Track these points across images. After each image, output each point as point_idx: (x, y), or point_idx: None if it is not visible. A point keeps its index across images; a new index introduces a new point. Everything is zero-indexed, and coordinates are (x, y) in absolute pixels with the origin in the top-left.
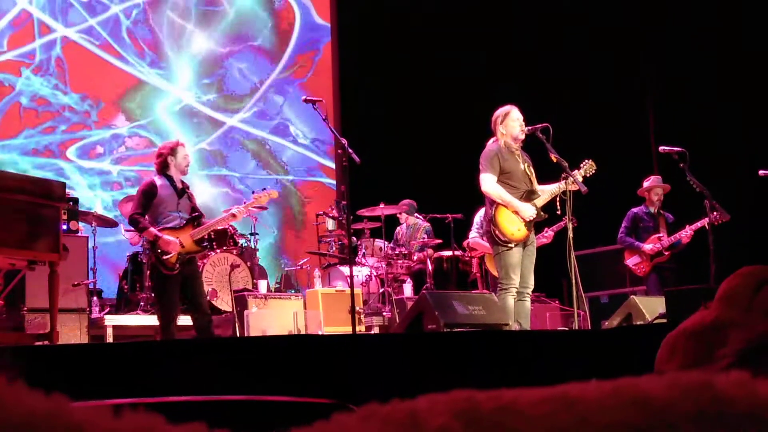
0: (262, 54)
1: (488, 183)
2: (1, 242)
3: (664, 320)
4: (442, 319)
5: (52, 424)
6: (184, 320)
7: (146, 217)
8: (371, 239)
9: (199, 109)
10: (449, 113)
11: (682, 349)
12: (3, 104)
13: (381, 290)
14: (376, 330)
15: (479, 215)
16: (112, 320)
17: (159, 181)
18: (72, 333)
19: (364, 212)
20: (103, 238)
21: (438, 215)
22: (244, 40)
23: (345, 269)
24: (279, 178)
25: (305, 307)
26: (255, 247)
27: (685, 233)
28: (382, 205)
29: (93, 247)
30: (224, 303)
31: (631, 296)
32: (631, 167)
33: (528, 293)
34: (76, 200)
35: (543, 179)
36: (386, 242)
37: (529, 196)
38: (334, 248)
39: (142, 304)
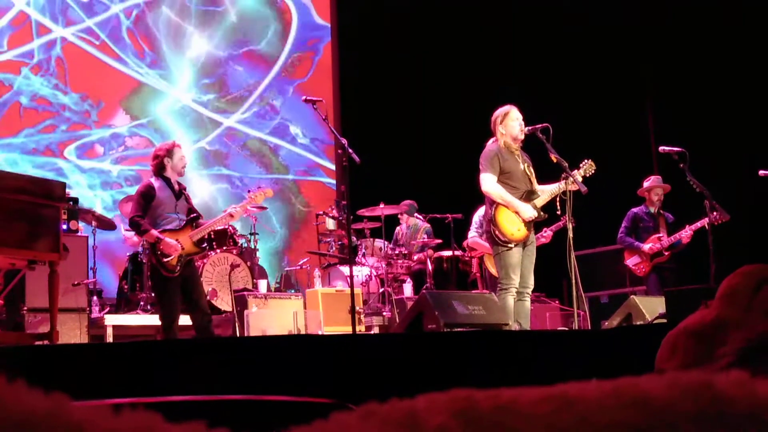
0: (262, 54)
1: (488, 183)
2: (1, 242)
3: (664, 320)
4: (442, 319)
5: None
6: (184, 320)
7: (146, 219)
8: (371, 239)
9: (199, 108)
10: (449, 113)
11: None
12: (3, 104)
13: (381, 290)
14: (376, 330)
15: (478, 215)
16: (112, 320)
17: (156, 183)
18: (72, 333)
19: (364, 212)
20: (104, 236)
21: (438, 215)
22: (245, 41)
23: (345, 269)
24: (279, 178)
25: (305, 307)
26: (255, 247)
27: (685, 233)
28: (382, 205)
29: (93, 246)
30: (224, 303)
31: (631, 296)
32: (631, 167)
33: (528, 293)
34: (76, 200)
35: (543, 179)
36: (386, 242)
37: (529, 196)
38: (334, 248)
39: (142, 303)
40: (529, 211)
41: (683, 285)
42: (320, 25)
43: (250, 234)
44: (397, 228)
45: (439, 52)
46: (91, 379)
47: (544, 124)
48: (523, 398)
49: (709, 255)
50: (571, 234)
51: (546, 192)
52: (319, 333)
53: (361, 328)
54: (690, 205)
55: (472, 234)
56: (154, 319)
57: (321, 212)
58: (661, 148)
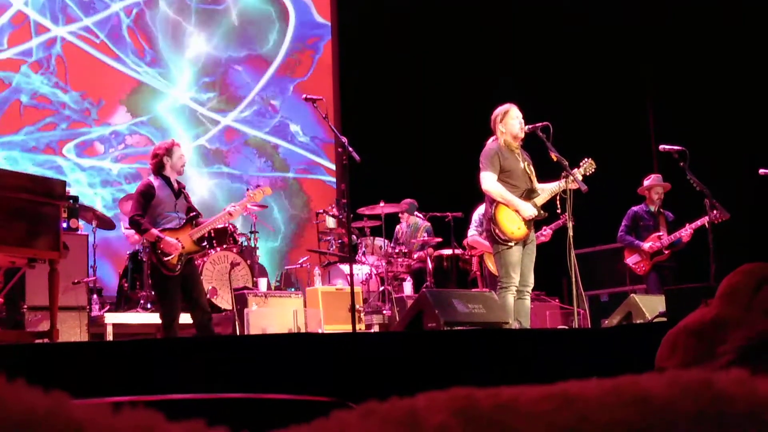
0: (262, 52)
1: (488, 181)
2: (2, 240)
3: (664, 319)
4: (442, 317)
5: (52, 421)
6: (184, 318)
7: (146, 218)
8: (371, 237)
9: (199, 107)
10: (449, 112)
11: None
12: (3, 102)
13: (381, 288)
14: (376, 328)
15: (477, 213)
16: (112, 318)
17: (156, 181)
18: (72, 331)
19: (364, 211)
20: (104, 234)
21: (438, 214)
22: (245, 39)
23: (345, 267)
24: (279, 176)
25: (305, 306)
26: (255, 245)
27: (685, 232)
28: (382, 204)
29: (93, 244)
30: (224, 301)
31: (631, 295)
32: (631, 166)
33: (528, 292)
34: (76, 198)
35: (543, 178)
36: (386, 241)
37: (529, 194)
38: (334, 246)
39: (141, 302)
40: (529, 210)
41: (683, 283)
42: (320, 24)
43: (250, 232)
44: (398, 226)
45: (439, 51)
46: (91, 378)
47: (544, 123)
48: (524, 397)
49: (709, 254)
50: (571, 232)
51: (546, 190)
52: (319, 331)
53: (361, 327)
54: (690, 203)
55: (472, 232)
56: (154, 318)
57: (321, 211)
58: (661, 147)
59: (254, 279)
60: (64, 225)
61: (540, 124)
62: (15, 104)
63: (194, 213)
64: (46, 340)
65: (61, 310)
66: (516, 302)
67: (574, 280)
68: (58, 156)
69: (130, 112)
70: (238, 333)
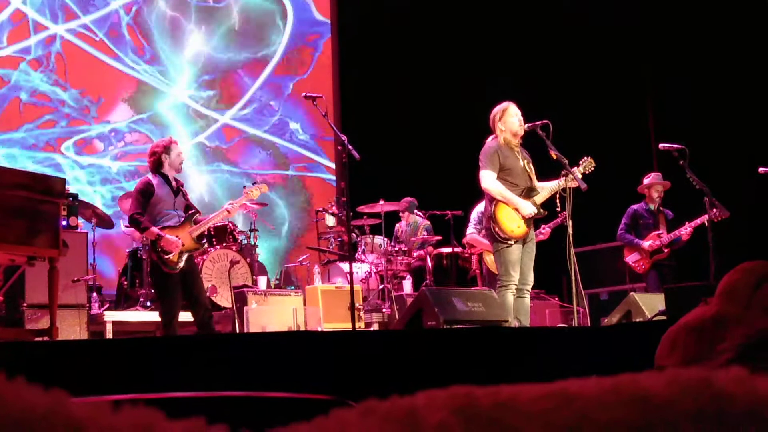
0: (262, 50)
1: (488, 180)
2: (1, 238)
3: (664, 317)
4: (442, 315)
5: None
6: (184, 316)
7: (146, 216)
8: (371, 236)
9: (198, 105)
10: (449, 110)
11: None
12: (3, 99)
13: (380, 287)
14: (375, 326)
15: (476, 211)
16: (111, 316)
17: (154, 179)
18: (71, 329)
19: (363, 209)
20: (103, 232)
21: (438, 212)
22: (245, 37)
23: (345, 266)
24: (280, 174)
25: (305, 304)
26: (255, 243)
27: (685, 230)
28: (381, 202)
29: (93, 242)
30: (224, 299)
31: (631, 293)
32: (631, 164)
33: (527, 290)
34: (75, 196)
35: (543, 176)
36: (386, 239)
37: (528, 193)
38: (333, 245)
39: (141, 300)
40: (529, 208)
41: (683, 282)
42: (320, 22)
43: (250, 230)
44: (397, 225)
45: (439, 49)
46: (90, 376)
47: (544, 121)
48: (523, 395)
49: (708, 252)
50: (570, 231)
51: (546, 189)
52: (319, 329)
53: (360, 325)
54: (690, 202)
55: (471, 231)
56: (153, 316)
57: (321, 209)
58: (661, 145)
59: (254, 277)
60: (64, 223)
61: (540, 122)
62: (15, 102)
63: (193, 210)
64: (45, 338)
65: (60, 308)
66: (516, 300)
67: (573, 278)
68: (57, 153)
69: (129, 110)
70: (237, 331)
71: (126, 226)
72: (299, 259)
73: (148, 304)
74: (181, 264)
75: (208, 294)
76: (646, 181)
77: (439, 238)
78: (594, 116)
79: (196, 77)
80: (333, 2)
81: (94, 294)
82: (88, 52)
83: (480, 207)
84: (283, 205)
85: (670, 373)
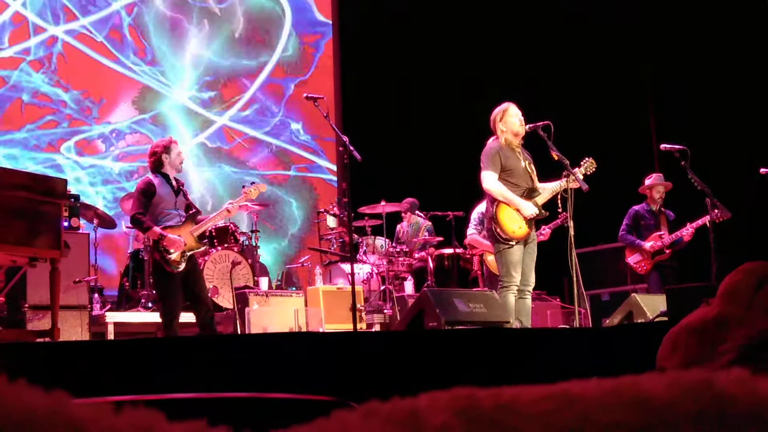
0: (263, 50)
1: (490, 180)
2: (2, 239)
3: (665, 318)
4: (443, 316)
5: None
6: (185, 317)
7: (147, 216)
8: (372, 237)
9: (199, 105)
10: (450, 111)
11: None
12: (4, 100)
13: (382, 288)
14: (377, 327)
15: (476, 212)
16: (113, 317)
17: (155, 179)
18: (73, 330)
19: (365, 210)
20: (105, 233)
21: (439, 213)
22: (246, 38)
23: (346, 267)
24: (279, 175)
25: (306, 305)
26: (256, 244)
27: (686, 231)
28: (383, 203)
29: (94, 243)
30: (225, 300)
31: (632, 294)
32: (632, 165)
33: (529, 291)
34: (77, 197)
35: (544, 177)
36: (387, 240)
37: (530, 193)
38: (335, 245)
39: (143, 301)
40: (531, 209)
41: (684, 283)
42: (322, 22)
43: (252, 231)
44: (399, 226)
45: (439, 50)
46: (92, 377)
47: (546, 122)
48: (524, 397)
49: (710, 253)
50: (572, 232)
51: (547, 190)
52: (320, 330)
53: (362, 326)
54: (691, 202)
55: (471, 231)
56: (155, 317)
57: (322, 210)
58: (662, 146)
59: (255, 278)
60: (65, 224)
61: (541, 123)
62: (16, 102)
63: (194, 210)
64: (47, 339)
65: (62, 309)
66: (517, 301)
67: (575, 279)
68: (58, 154)
69: (130, 110)
70: (239, 332)
71: (128, 227)
72: (301, 260)
73: (150, 305)
74: (183, 264)
75: (209, 294)
76: (647, 181)
77: (441, 239)
78: (594, 116)
79: (197, 78)
80: (334, 3)
81: (96, 295)
82: (90, 53)
83: (480, 207)
84: (284, 206)
85: (672, 375)
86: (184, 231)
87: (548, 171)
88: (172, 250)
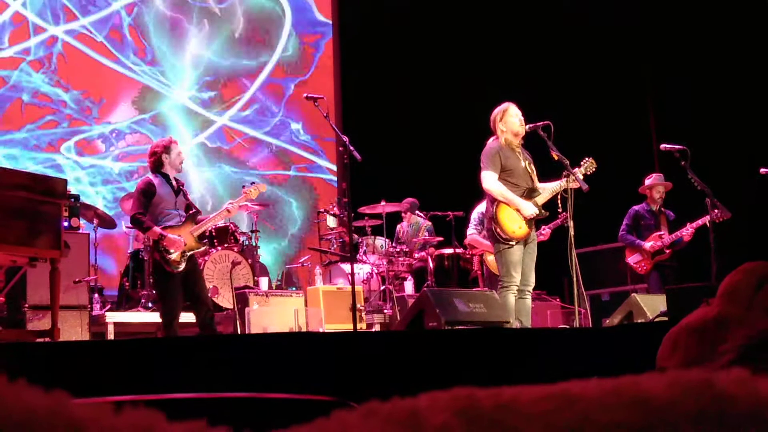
0: (263, 50)
1: (490, 180)
2: (2, 239)
3: (666, 318)
4: (443, 316)
5: (53, 421)
6: (184, 317)
7: (148, 216)
8: (372, 237)
9: (199, 105)
10: (450, 111)
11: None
12: (4, 100)
13: (382, 288)
14: (377, 327)
15: (476, 212)
16: (113, 317)
17: (155, 179)
18: (73, 330)
19: (365, 210)
20: (105, 233)
21: (439, 213)
22: (246, 37)
23: (346, 267)
24: (279, 175)
25: (306, 305)
26: (256, 244)
27: (686, 231)
28: (383, 203)
29: (94, 243)
30: (225, 300)
31: (632, 294)
32: (632, 165)
33: (529, 291)
34: (77, 197)
35: (544, 177)
36: (387, 240)
37: (530, 193)
38: (335, 245)
39: (143, 301)
40: (531, 209)
41: (684, 283)
42: (322, 22)
43: (252, 231)
44: (399, 225)
45: (439, 50)
46: (92, 377)
47: (546, 122)
48: (525, 397)
49: (710, 253)
50: (572, 232)
51: (547, 190)
52: (320, 330)
53: (362, 326)
54: (691, 202)
55: (471, 231)
56: (155, 317)
57: (322, 210)
58: (662, 146)
59: (255, 278)
60: (65, 224)
61: (541, 123)
62: (16, 102)
63: (194, 210)
64: (47, 339)
65: (62, 309)
66: (517, 301)
67: (575, 279)
68: (58, 154)
69: (130, 110)
70: (239, 332)
71: (128, 227)
72: (301, 260)
73: (150, 305)
74: (183, 264)
75: (209, 295)
76: (647, 181)
77: (441, 239)
78: (594, 116)
79: (197, 78)
80: (334, 3)
81: (96, 295)
82: (90, 54)
83: (479, 207)
84: (284, 206)
85: (672, 375)
86: (184, 231)
87: (548, 171)
88: (172, 250)
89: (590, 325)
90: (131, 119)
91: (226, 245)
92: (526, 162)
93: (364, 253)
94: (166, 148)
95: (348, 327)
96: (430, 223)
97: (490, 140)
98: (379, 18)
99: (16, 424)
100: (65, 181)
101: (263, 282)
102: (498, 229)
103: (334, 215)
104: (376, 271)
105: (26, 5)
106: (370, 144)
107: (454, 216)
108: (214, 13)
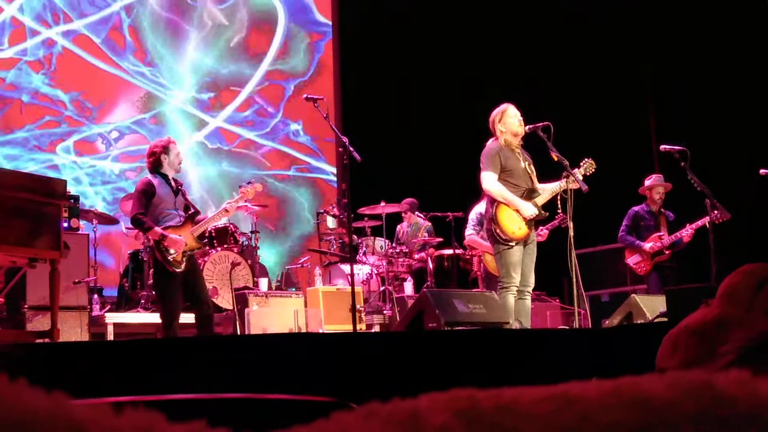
0: (263, 51)
1: (489, 181)
2: (2, 240)
3: (665, 319)
4: (443, 317)
5: (53, 422)
6: (184, 318)
7: (148, 216)
8: (372, 237)
9: (198, 106)
10: (450, 112)
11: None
12: (4, 100)
13: (382, 288)
14: (376, 328)
15: (474, 212)
16: (112, 318)
17: (155, 180)
18: (73, 331)
19: (364, 210)
20: (105, 234)
21: (438, 213)
22: (246, 38)
23: (346, 267)
24: (279, 175)
25: (306, 305)
26: (256, 245)
27: (686, 232)
28: (382, 204)
29: (94, 244)
30: (225, 301)
31: (632, 295)
32: (632, 166)
33: (528, 292)
34: (77, 198)
35: (544, 178)
36: (387, 240)
37: (529, 194)
38: (334, 246)
39: (142, 301)
40: (530, 210)
41: (684, 284)
42: (322, 23)
43: (251, 232)
44: (398, 226)
45: (439, 50)
46: (92, 378)
47: (545, 123)
48: (524, 398)
49: (710, 254)
50: (572, 233)
51: (547, 190)
52: (320, 331)
53: (361, 327)
54: (691, 203)
55: (469, 232)
56: (154, 317)
57: (322, 210)
58: (662, 147)
59: (255, 279)
60: (65, 224)
61: (541, 123)
62: (16, 103)
63: (193, 210)
64: (47, 340)
65: (61, 310)
66: (517, 302)
67: (574, 280)
68: (58, 155)
69: (130, 110)
70: (238, 333)
71: (128, 228)
72: (300, 261)
73: (149, 305)
74: (184, 263)
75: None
76: (647, 182)
77: (440, 239)
78: (594, 117)
79: (197, 79)
80: (334, 3)
81: (95, 296)
82: (89, 54)
83: (478, 208)
84: (284, 207)
85: (671, 376)
86: (184, 231)
87: (548, 172)
88: (173, 250)
89: (590, 326)
90: (130, 119)
91: (225, 246)
92: (526, 163)
93: (364, 253)
94: (165, 149)
95: (348, 328)
96: (429, 224)
97: (490, 141)
98: (379, 18)
99: (16, 425)
100: (65, 181)
101: (263, 283)
102: (498, 230)
103: (333, 216)
104: (376, 272)
105: (23, 9)
106: (370, 144)
107: (453, 217)
108: (213, 15)
